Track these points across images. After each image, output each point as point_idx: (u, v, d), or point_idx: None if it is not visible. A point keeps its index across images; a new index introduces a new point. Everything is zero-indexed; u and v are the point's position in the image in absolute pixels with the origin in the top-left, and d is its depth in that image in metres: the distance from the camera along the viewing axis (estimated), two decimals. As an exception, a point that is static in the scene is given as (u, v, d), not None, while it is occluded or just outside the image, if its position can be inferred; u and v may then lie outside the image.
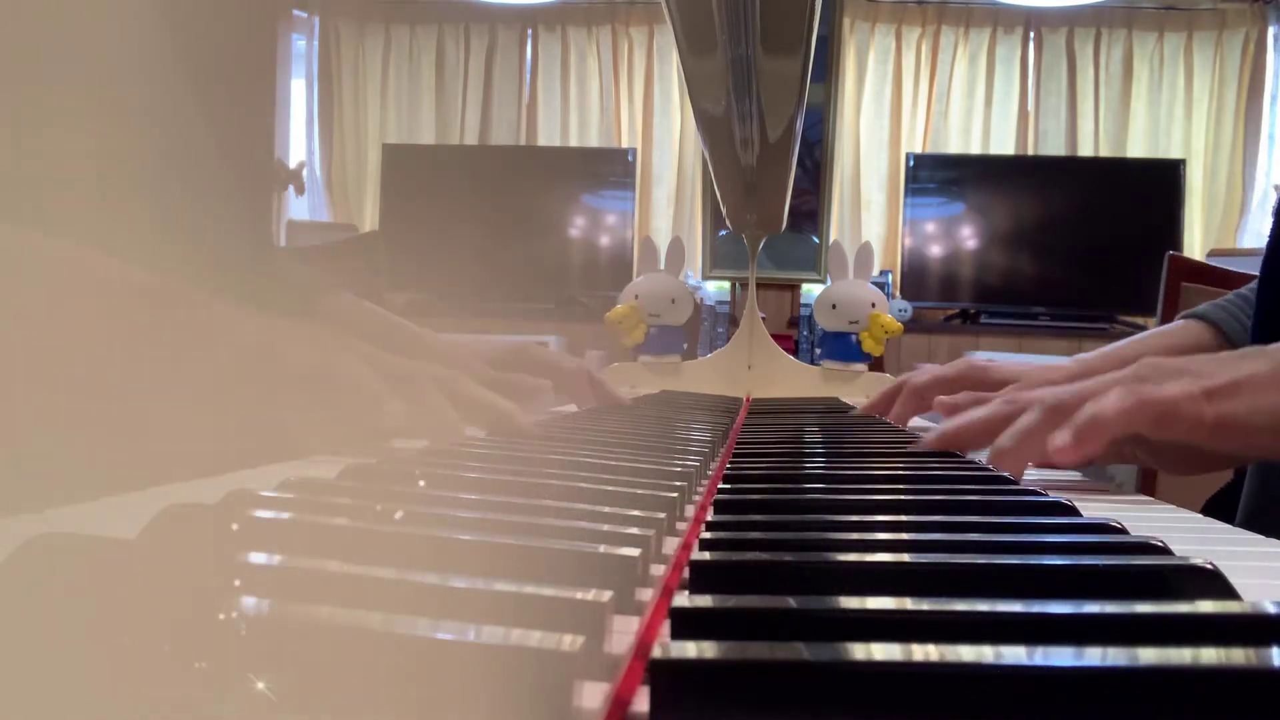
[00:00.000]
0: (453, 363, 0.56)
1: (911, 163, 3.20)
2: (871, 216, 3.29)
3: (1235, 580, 0.22)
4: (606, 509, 0.28)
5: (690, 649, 0.16)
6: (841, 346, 1.16)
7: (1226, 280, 1.33)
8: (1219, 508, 0.72)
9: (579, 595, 0.18)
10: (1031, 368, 0.80)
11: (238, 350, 0.43)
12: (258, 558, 0.20)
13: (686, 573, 0.23)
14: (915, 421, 0.78)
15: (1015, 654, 0.16)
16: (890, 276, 3.12)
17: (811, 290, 2.91)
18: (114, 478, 0.31)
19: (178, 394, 0.41)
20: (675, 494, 0.32)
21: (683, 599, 0.19)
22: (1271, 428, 0.45)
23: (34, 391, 0.37)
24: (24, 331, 0.37)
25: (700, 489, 0.39)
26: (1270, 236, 0.72)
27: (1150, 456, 0.53)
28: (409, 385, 0.46)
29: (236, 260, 0.57)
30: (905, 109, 3.31)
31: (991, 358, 0.85)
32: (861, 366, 1.17)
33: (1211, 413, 0.45)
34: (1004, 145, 3.29)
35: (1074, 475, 0.55)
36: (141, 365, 0.40)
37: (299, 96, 3.43)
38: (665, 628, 0.19)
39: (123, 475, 0.31)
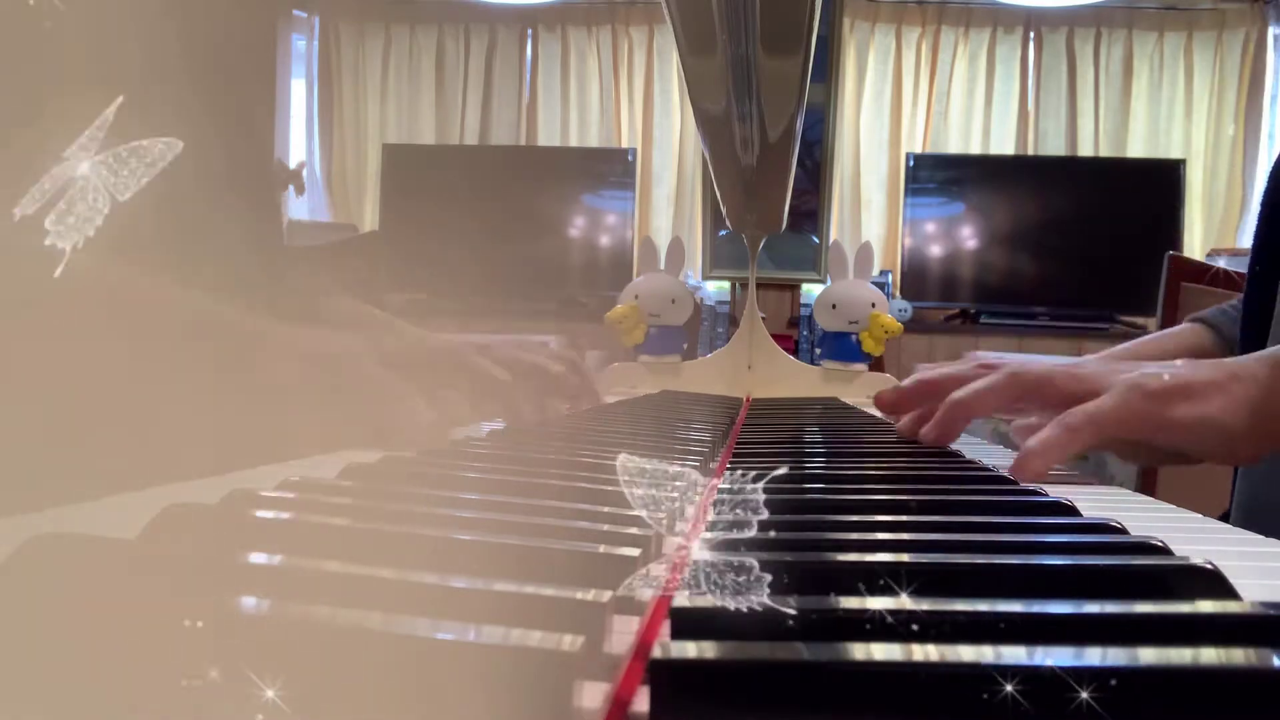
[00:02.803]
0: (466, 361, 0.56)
1: (911, 163, 3.20)
2: (871, 216, 3.29)
3: (1235, 580, 0.22)
4: (606, 509, 0.28)
5: (690, 649, 0.16)
6: (841, 346, 1.16)
7: (1226, 280, 1.33)
8: None
9: (579, 595, 0.18)
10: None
11: (241, 347, 0.43)
12: (258, 558, 0.20)
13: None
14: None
15: (1015, 654, 0.16)
16: (890, 276, 3.12)
17: (811, 290, 2.91)
18: (114, 478, 0.31)
19: (181, 395, 0.41)
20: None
21: (683, 599, 0.19)
22: (1212, 441, 0.49)
23: (35, 391, 0.37)
24: (26, 331, 0.37)
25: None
26: (1260, 217, 0.72)
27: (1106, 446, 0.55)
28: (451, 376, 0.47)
29: (242, 260, 0.57)
30: (905, 109, 3.30)
31: (1002, 357, 0.86)
32: (861, 366, 1.16)
33: (1160, 415, 0.48)
34: (1004, 145, 3.28)
35: (1073, 471, 0.55)
36: (144, 366, 0.40)
37: (299, 96, 3.42)
38: (665, 628, 0.19)
39: (123, 475, 0.31)
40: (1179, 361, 0.52)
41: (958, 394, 0.54)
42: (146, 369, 0.41)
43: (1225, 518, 0.72)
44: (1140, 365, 0.52)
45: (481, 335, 0.76)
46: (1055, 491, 0.36)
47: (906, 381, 0.60)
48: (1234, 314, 0.79)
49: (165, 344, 0.41)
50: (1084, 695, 0.15)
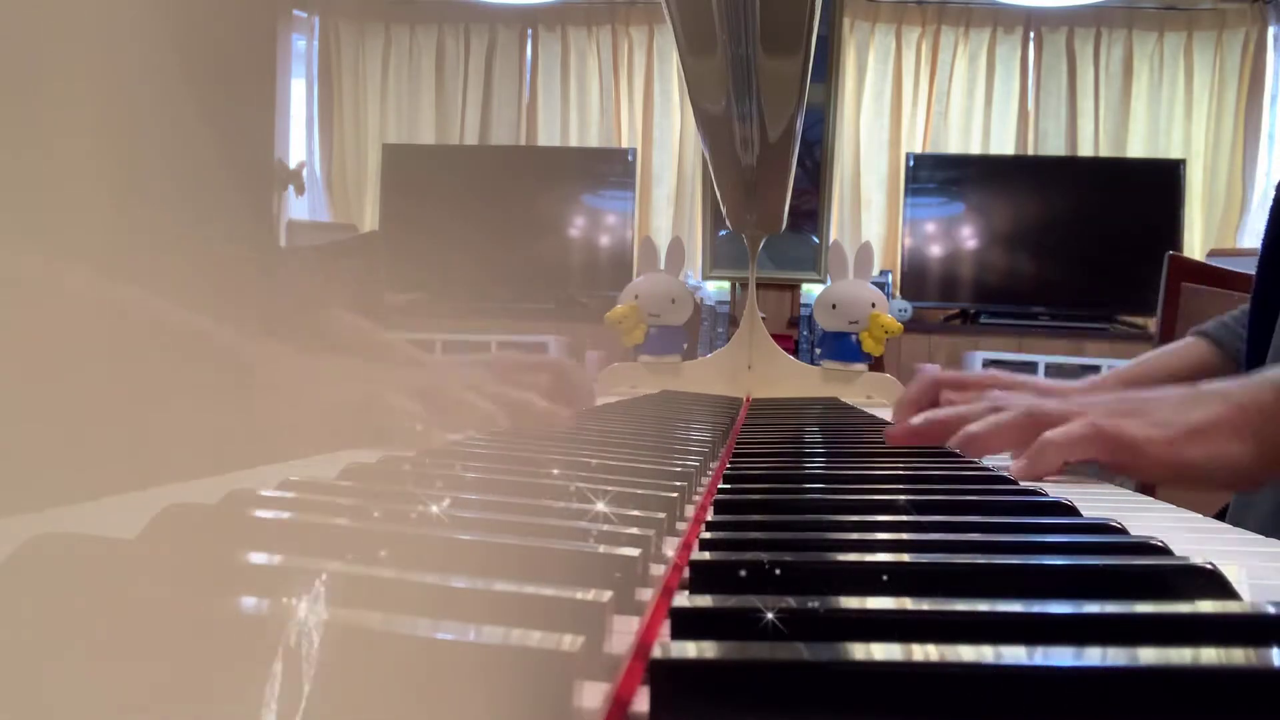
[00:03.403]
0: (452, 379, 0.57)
1: (911, 163, 3.20)
2: (871, 216, 3.28)
3: (1235, 580, 0.22)
4: (606, 509, 0.28)
5: (690, 649, 0.16)
6: (841, 346, 1.16)
7: (1226, 280, 1.33)
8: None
9: (579, 595, 0.18)
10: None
11: (236, 352, 0.43)
12: (257, 558, 0.20)
13: (686, 573, 0.23)
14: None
15: (1015, 654, 0.16)
16: (890, 276, 3.12)
17: (811, 290, 2.91)
18: (114, 478, 0.31)
19: (179, 396, 0.41)
20: (675, 494, 0.32)
21: (683, 599, 0.19)
22: (1225, 475, 0.51)
23: (35, 391, 0.37)
24: (26, 332, 0.37)
25: (700, 489, 0.39)
26: (1266, 231, 0.72)
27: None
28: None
29: (238, 261, 0.57)
30: (905, 109, 3.30)
31: (1015, 377, 0.86)
32: (861, 366, 1.17)
33: (1172, 458, 0.50)
34: (1004, 145, 3.28)
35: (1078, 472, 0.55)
36: (142, 367, 0.40)
37: (299, 96, 3.42)
38: (665, 628, 0.19)
39: (123, 475, 0.31)
40: (1185, 389, 0.53)
41: (973, 428, 0.54)
42: (147, 369, 0.41)
43: (1222, 515, 0.72)
44: (1152, 402, 0.53)
45: (478, 338, 0.76)
46: (1055, 491, 0.36)
47: (918, 419, 0.59)
48: (1235, 326, 0.79)
49: (165, 344, 0.41)
50: (1084, 695, 0.15)
